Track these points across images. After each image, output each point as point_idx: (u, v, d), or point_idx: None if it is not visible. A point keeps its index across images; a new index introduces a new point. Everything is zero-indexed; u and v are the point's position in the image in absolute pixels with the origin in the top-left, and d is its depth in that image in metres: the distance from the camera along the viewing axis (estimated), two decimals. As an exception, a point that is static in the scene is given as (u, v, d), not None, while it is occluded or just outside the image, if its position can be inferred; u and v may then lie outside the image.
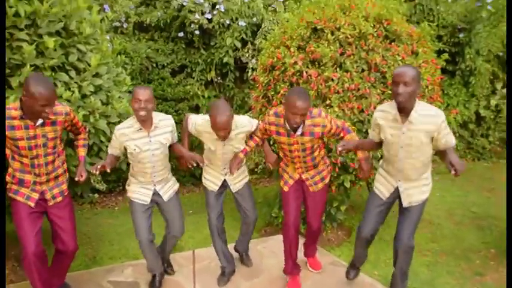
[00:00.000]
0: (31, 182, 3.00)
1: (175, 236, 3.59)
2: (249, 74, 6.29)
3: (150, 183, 3.39)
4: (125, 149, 3.27)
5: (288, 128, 3.16)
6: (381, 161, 3.33)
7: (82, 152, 3.30)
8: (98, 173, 3.02)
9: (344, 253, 4.34)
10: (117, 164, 3.42)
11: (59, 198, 3.14)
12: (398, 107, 2.88)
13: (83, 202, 6.09)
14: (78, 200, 6.01)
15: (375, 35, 4.42)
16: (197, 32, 5.93)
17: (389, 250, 4.33)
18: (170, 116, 3.43)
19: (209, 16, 5.87)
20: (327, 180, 3.53)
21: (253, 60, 6.26)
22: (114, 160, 3.36)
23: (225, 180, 3.61)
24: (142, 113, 3.09)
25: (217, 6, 5.91)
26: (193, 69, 6.45)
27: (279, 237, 4.62)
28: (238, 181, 3.65)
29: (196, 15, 5.77)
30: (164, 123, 3.33)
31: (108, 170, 3.13)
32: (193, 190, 6.64)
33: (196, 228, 5.08)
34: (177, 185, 3.62)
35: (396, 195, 3.17)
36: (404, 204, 3.09)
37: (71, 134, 3.39)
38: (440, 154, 3.05)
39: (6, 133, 2.81)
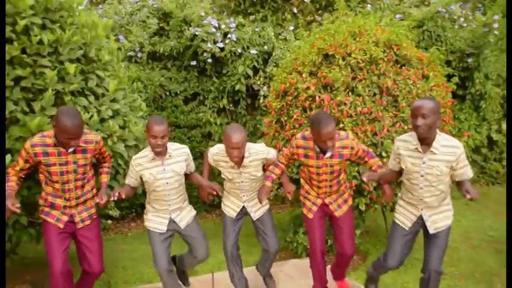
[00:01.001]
0: (61, 206, 3.14)
1: (201, 260, 3.56)
2: (261, 101, 6.38)
3: (165, 212, 3.40)
4: (141, 178, 3.32)
5: (318, 150, 3.19)
6: (400, 192, 3.34)
7: (105, 178, 3.40)
8: (115, 198, 3.10)
9: (360, 277, 4.28)
10: (132, 193, 3.47)
11: (88, 222, 3.26)
12: (418, 138, 2.96)
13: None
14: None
15: (386, 59, 4.50)
16: (209, 60, 6.06)
17: (406, 274, 4.28)
18: (186, 146, 3.48)
19: (221, 45, 6.02)
20: (350, 202, 3.53)
21: (265, 88, 6.36)
22: (130, 190, 3.40)
23: (244, 207, 3.62)
24: (158, 149, 3.18)
25: (229, 36, 6.06)
26: (206, 96, 6.56)
27: (295, 262, 4.59)
28: (258, 208, 3.60)
29: (209, 44, 5.91)
30: (179, 152, 3.37)
31: (123, 197, 3.19)
32: (206, 217, 6.64)
33: (211, 253, 5.04)
34: (194, 212, 3.61)
35: (420, 223, 3.15)
36: (431, 230, 3.08)
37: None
38: (455, 183, 3.11)
39: (40, 159, 2.96)
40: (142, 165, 3.26)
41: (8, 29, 3.17)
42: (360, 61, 4.45)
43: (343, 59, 4.53)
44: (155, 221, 3.40)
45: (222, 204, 3.67)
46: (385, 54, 4.51)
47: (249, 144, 3.40)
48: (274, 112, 4.85)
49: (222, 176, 3.52)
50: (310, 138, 3.22)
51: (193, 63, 6.21)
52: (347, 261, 3.61)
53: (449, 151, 2.87)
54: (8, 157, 3.05)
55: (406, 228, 3.16)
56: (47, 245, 3.09)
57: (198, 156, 6.48)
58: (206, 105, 6.54)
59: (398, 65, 4.59)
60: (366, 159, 3.32)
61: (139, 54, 6.04)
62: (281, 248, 5.07)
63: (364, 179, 3.11)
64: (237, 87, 6.28)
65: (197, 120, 6.51)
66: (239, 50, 6.11)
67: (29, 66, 3.24)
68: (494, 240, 5.11)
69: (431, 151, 2.89)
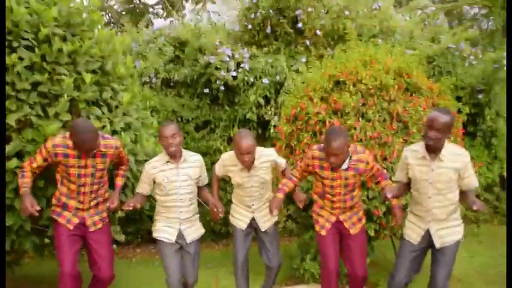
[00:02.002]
0: (74, 207, 3.16)
1: (188, 284, 3.54)
2: (271, 130, 6.42)
3: (176, 221, 3.38)
4: (154, 182, 3.33)
5: None
6: (409, 207, 3.31)
7: (120, 181, 3.46)
8: (130, 209, 3.18)
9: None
10: (144, 202, 3.48)
11: (99, 225, 3.28)
12: (426, 148, 2.96)
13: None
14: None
15: (396, 86, 4.55)
16: (222, 88, 6.17)
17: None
18: (199, 154, 3.57)
19: (234, 74, 6.14)
20: (363, 221, 3.48)
21: (276, 117, 6.41)
22: (142, 199, 3.44)
23: (253, 219, 3.59)
24: (172, 149, 3.22)
25: (242, 65, 6.19)
26: (217, 125, 6.61)
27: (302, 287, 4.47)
28: (267, 219, 3.61)
29: (222, 72, 6.04)
30: (193, 158, 3.46)
31: (138, 206, 3.24)
32: (212, 246, 6.53)
33: (218, 280, 4.95)
34: (203, 230, 3.61)
35: (428, 239, 3.10)
36: (437, 245, 3.02)
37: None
38: (461, 196, 3.07)
39: (60, 159, 3.02)
40: (157, 168, 3.31)
41: (30, 36, 3.29)
42: (370, 87, 4.50)
43: (354, 86, 4.59)
44: (165, 230, 3.40)
45: (231, 217, 3.66)
46: (396, 82, 4.57)
47: (258, 148, 3.46)
48: (284, 137, 4.87)
49: (232, 182, 3.52)
50: None
51: (206, 91, 6.32)
52: (358, 284, 3.47)
53: (457, 159, 2.90)
54: (14, 161, 3.08)
55: (415, 243, 3.09)
56: (57, 247, 3.11)
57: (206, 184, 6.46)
58: (217, 133, 6.58)
59: (409, 93, 4.63)
60: (379, 179, 3.32)
61: (154, 80, 6.18)
62: (288, 275, 4.95)
63: (389, 195, 3.09)
64: (248, 116, 6.34)
65: (207, 147, 6.54)
66: (251, 80, 6.22)
67: (48, 72, 3.33)
68: (508, 277, 4.93)
69: (439, 158, 2.90)
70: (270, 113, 6.45)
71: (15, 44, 3.23)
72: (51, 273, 5.17)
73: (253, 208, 3.56)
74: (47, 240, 5.28)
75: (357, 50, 4.99)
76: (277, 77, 6.23)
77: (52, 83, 3.34)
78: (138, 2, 9.90)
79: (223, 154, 3.62)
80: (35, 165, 3.05)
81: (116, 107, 3.77)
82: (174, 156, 3.30)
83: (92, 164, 3.11)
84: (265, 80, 6.17)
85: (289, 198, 5.42)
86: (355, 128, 4.34)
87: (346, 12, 6.27)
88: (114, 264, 3.57)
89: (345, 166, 3.16)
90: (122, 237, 6.17)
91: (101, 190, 3.27)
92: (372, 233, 4.23)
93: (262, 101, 6.30)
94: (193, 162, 3.41)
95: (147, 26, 7.26)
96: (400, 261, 3.13)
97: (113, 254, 3.36)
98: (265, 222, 3.60)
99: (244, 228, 3.57)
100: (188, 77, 6.33)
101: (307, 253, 4.80)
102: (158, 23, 8.44)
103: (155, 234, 3.44)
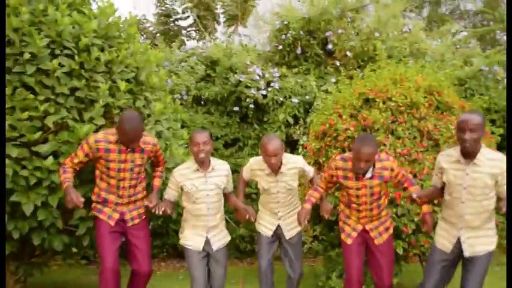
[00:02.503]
0: (114, 202, 3.27)
1: None
2: (299, 150, 6.43)
3: (203, 229, 3.40)
4: (181, 189, 3.37)
5: (357, 171, 3.17)
6: (440, 213, 3.23)
7: (157, 182, 3.55)
8: (161, 213, 3.26)
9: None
10: (172, 209, 3.53)
11: (137, 220, 3.37)
12: (462, 152, 2.91)
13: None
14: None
15: (426, 104, 4.51)
16: (252, 106, 6.25)
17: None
18: (226, 163, 3.61)
19: (264, 92, 6.23)
20: (391, 231, 3.42)
21: (304, 137, 6.44)
22: (170, 205, 3.47)
23: (279, 226, 3.58)
24: (201, 155, 3.26)
25: (272, 84, 6.29)
26: (246, 143, 6.68)
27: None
28: (292, 227, 3.60)
29: (252, 91, 6.14)
30: (221, 167, 3.49)
31: (169, 212, 3.31)
32: (236, 263, 6.49)
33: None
34: (229, 237, 3.62)
35: (460, 247, 3.00)
36: (466, 254, 2.92)
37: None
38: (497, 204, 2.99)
39: (102, 154, 3.14)
40: (185, 176, 3.35)
41: (71, 45, 3.46)
42: (400, 105, 4.48)
43: (384, 103, 4.58)
44: (192, 239, 3.41)
45: (257, 224, 3.66)
46: (426, 100, 4.53)
47: (286, 154, 3.49)
48: (313, 153, 4.87)
49: (258, 187, 3.54)
50: (349, 159, 3.21)
51: (236, 109, 6.43)
52: None
53: (494, 164, 2.80)
54: (51, 159, 3.20)
55: (447, 252, 2.99)
56: (99, 243, 3.23)
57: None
58: (245, 151, 6.64)
59: (440, 111, 4.58)
60: (406, 185, 3.26)
61: (185, 97, 6.33)
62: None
63: (414, 195, 3.05)
64: (277, 134, 6.38)
65: (235, 165, 6.58)
66: (281, 99, 6.30)
67: (85, 79, 3.48)
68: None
69: (475, 163, 2.82)
70: (298, 133, 6.48)
71: (57, 52, 3.40)
72: (77, 281, 5.25)
73: (279, 215, 3.56)
74: (74, 250, 5.44)
75: (387, 69, 5.00)
76: (307, 97, 6.29)
77: (89, 89, 3.48)
78: (172, 24, 10.28)
79: (252, 158, 3.67)
80: (76, 160, 3.16)
81: (148, 115, 3.88)
82: (203, 164, 3.34)
83: (131, 158, 3.22)
84: (295, 100, 6.23)
85: (316, 217, 5.39)
86: (384, 145, 4.30)
87: (376, 34, 6.32)
88: None
89: (369, 175, 3.14)
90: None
91: (139, 187, 3.37)
92: (400, 251, 4.12)
93: (291, 120, 6.35)
94: (220, 171, 3.44)
95: (179, 47, 7.49)
96: (429, 270, 3.03)
97: (150, 249, 3.46)
98: (290, 231, 3.59)
99: (270, 236, 3.56)
100: (218, 95, 6.46)
101: (333, 271, 4.70)
102: (190, 44, 8.69)
103: (182, 242, 3.46)
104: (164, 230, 6.42)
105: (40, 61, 3.29)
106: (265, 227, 3.60)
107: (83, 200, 2.98)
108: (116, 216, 3.28)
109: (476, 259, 2.90)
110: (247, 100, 6.20)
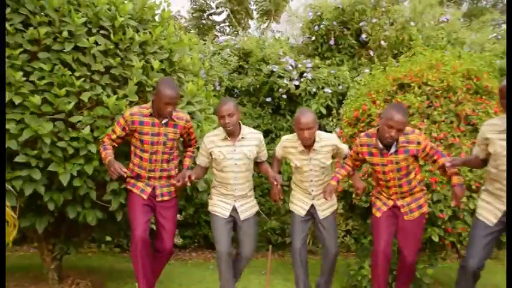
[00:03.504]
0: (146, 177, 3.35)
1: (246, 256, 3.51)
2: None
3: (230, 197, 3.41)
4: (210, 155, 3.38)
5: (381, 147, 3.11)
6: (484, 186, 3.10)
7: (187, 161, 3.59)
8: (188, 183, 3.28)
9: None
10: (203, 175, 3.54)
11: (166, 197, 3.42)
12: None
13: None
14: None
15: (464, 88, 4.36)
16: (284, 97, 6.23)
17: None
18: (259, 132, 3.59)
19: (297, 83, 6.20)
20: (424, 209, 3.33)
21: (337, 129, 6.35)
22: (201, 171, 3.51)
23: (312, 206, 3.54)
24: (229, 128, 3.25)
25: (304, 75, 6.25)
26: (278, 134, 6.65)
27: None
28: (326, 207, 3.56)
29: (285, 80, 6.12)
30: (252, 136, 3.45)
31: (193, 178, 3.29)
32: (267, 255, 6.45)
33: (271, 284, 4.86)
34: (257, 207, 3.60)
35: (503, 221, 2.86)
36: None
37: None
38: None
39: (136, 127, 3.23)
40: (214, 143, 3.37)
41: (107, 24, 3.55)
42: (437, 89, 4.36)
43: (419, 88, 4.46)
44: (219, 205, 3.44)
45: (290, 203, 3.65)
46: (464, 84, 4.39)
47: (319, 132, 3.44)
48: (346, 139, 4.79)
49: (291, 165, 3.50)
50: (374, 135, 3.16)
51: (269, 99, 6.42)
52: (407, 274, 3.37)
53: None
54: (87, 129, 3.30)
55: (491, 225, 2.86)
56: (131, 214, 3.32)
57: (266, 193, 6.45)
58: (277, 143, 6.60)
59: (478, 96, 4.42)
60: (436, 157, 3.15)
61: (218, 88, 6.38)
62: (343, 283, 4.76)
63: (447, 164, 2.95)
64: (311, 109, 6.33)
65: (268, 156, 6.58)
66: (314, 90, 6.25)
67: (120, 58, 3.56)
68: None
69: None
70: (331, 124, 6.40)
71: (93, 31, 3.50)
72: (111, 267, 5.35)
73: (313, 194, 3.51)
74: (108, 238, 5.54)
75: (423, 53, 4.88)
76: (340, 87, 6.21)
77: (123, 67, 3.57)
78: (206, 19, 10.41)
79: (284, 136, 3.65)
80: (114, 136, 3.25)
81: (181, 96, 3.91)
82: (232, 134, 3.33)
83: (165, 132, 3.29)
84: (328, 90, 6.17)
85: (348, 211, 5.29)
86: (419, 129, 4.18)
87: (412, 24, 6.18)
88: (168, 264, 3.72)
89: (393, 149, 3.06)
90: (179, 241, 6.32)
91: (171, 164, 3.43)
92: (436, 239, 3.99)
93: (324, 110, 6.28)
94: (251, 140, 3.40)
95: (212, 41, 7.56)
96: (473, 245, 2.90)
97: (175, 229, 3.57)
98: (324, 211, 3.54)
99: (303, 215, 3.52)
100: (251, 86, 6.48)
101: (366, 257, 4.58)
102: (224, 39, 8.77)
103: (210, 208, 3.48)
104: (196, 221, 6.47)
105: (77, 39, 3.39)
106: (299, 206, 3.56)
107: (126, 170, 3.10)
108: (148, 190, 3.35)
109: None
110: (279, 90, 6.18)
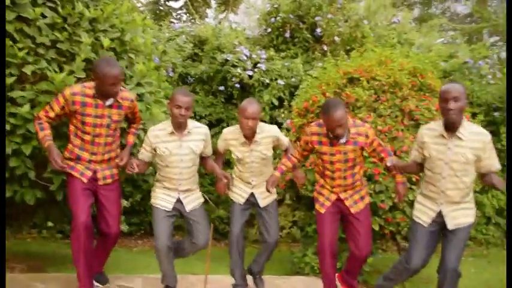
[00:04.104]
0: (87, 160, 3.18)
1: (199, 247, 3.44)
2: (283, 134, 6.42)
3: (174, 191, 3.36)
4: (155, 150, 3.31)
5: (331, 136, 3.15)
6: (420, 189, 3.24)
7: (131, 139, 3.47)
8: (134, 172, 3.19)
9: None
10: (146, 169, 3.47)
11: (109, 180, 3.30)
12: (446, 124, 2.90)
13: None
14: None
15: (409, 85, 4.54)
16: (237, 86, 6.23)
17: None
18: (206, 126, 3.50)
19: (250, 73, 6.22)
20: (367, 200, 3.40)
21: (288, 121, 6.43)
22: (144, 165, 3.41)
23: (252, 195, 3.56)
24: (181, 119, 3.20)
25: (258, 65, 6.28)
26: (230, 123, 6.65)
27: (302, 278, 4.40)
28: (267, 195, 3.58)
29: (238, 70, 6.12)
30: (198, 130, 3.38)
31: (136, 171, 3.23)
32: (214, 244, 6.45)
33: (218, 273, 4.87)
34: (202, 199, 3.57)
35: (439, 221, 3.01)
36: (450, 226, 2.93)
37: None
38: (483, 179, 2.99)
39: (77, 108, 3.04)
40: (160, 138, 3.27)
41: (56, -4, 3.41)
42: (384, 83, 4.51)
43: (368, 82, 4.61)
44: (162, 198, 3.36)
45: (230, 192, 3.62)
46: (409, 80, 4.57)
47: (261, 123, 3.47)
48: (295, 130, 4.87)
49: (233, 156, 3.52)
50: (325, 125, 3.21)
51: (221, 88, 6.40)
52: (359, 264, 3.41)
53: (477, 138, 2.79)
54: (27, 106, 3.14)
55: (425, 225, 3.00)
56: (72, 198, 3.15)
57: (215, 182, 6.43)
58: (229, 132, 6.61)
59: (422, 93, 4.62)
60: (383, 155, 3.25)
61: (171, 74, 6.29)
62: (287, 269, 4.85)
63: (388, 163, 3.05)
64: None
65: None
66: (267, 81, 6.29)
67: (68, 33, 3.42)
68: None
69: (458, 136, 2.81)
70: (283, 116, 6.47)
71: (39, 1, 3.33)
72: (52, 254, 5.16)
73: (253, 184, 3.54)
74: (50, 224, 5.34)
75: (373, 50, 5.03)
76: (293, 80, 6.29)
77: (71, 42, 3.42)
78: (162, 4, 10.20)
79: (225, 129, 3.62)
80: (51, 114, 3.06)
81: (131, 76, 3.83)
82: (180, 127, 3.26)
83: (108, 114, 3.13)
84: (281, 82, 6.23)
85: (295, 202, 5.38)
86: (366, 122, 4.31)
87: (365, 22, 6.35)
88: (113, 251, 3.62)
89: (343, 140, 3.11)
90: (125, 228, 6.18)
91: (114, 145, 3.28)
92: (376, 228, 4.14)
93: (276, 102, 6.34)
94: (197, 134, 3.34)
95: (168, 27, 7.43)
96: (414, 245, 3.01)
97: (120, 212, 3.43)
98: (265, 199, 3.57)
99: (242, 203, 3.54)
100: (205, 74, 6.44)
101: (309, 245, 4.70)
102: (180, 26, 8.63)
103: (153, 201, 3.38)
104: (142, 208, 6.36)
105: (21, 9, 3.21)
106: (238, 194, 3.57)
107: (66, 165, 2.97)
108: (89, 173, 3.19)
109: (459, 230, 2.92)
110: (233, 79, 6.18)
